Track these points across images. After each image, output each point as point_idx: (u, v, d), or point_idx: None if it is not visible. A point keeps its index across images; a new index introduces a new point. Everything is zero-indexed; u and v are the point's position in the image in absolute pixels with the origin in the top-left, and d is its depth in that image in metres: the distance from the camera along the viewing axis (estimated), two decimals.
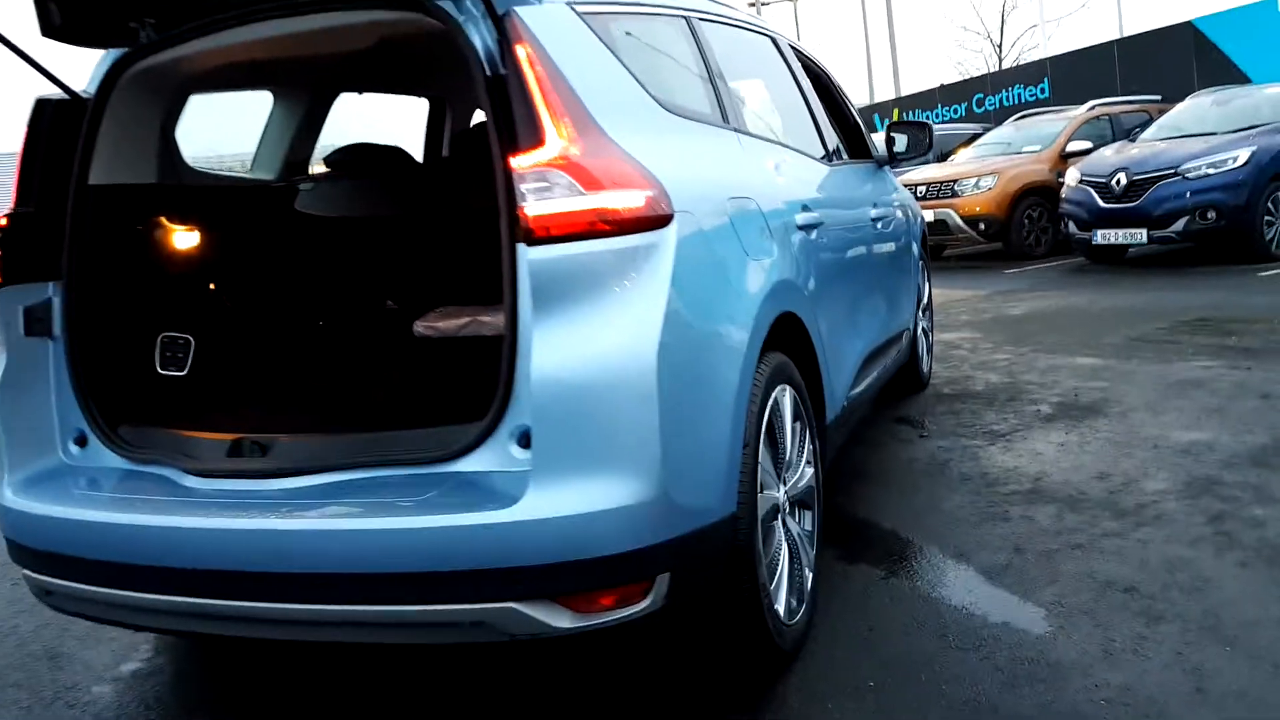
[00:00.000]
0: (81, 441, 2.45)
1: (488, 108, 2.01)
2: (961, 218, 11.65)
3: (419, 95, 4.22)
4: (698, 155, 2.39)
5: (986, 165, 12.04)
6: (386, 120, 4.12)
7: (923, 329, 5.24)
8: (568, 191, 1.88)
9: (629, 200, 1.92)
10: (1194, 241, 9.51)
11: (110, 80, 2.44)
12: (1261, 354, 5.38)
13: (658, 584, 1.93)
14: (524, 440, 1.97)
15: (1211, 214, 9.17)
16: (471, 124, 4.29)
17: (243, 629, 2.13)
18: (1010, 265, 11.17)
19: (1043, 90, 16.85)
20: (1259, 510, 3.15)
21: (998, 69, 27.30)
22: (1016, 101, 17.23)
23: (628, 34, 2.39)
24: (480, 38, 2.04)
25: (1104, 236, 9.97)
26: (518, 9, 2.01)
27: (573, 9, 2.19)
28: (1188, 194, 9.27)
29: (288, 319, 3.22)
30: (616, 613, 1.91)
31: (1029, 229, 11.79)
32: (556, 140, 1.91)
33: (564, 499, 1.82)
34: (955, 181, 11.77)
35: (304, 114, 3.51)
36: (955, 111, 18.99)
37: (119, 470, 2.36)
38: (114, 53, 2.46)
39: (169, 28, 2.37)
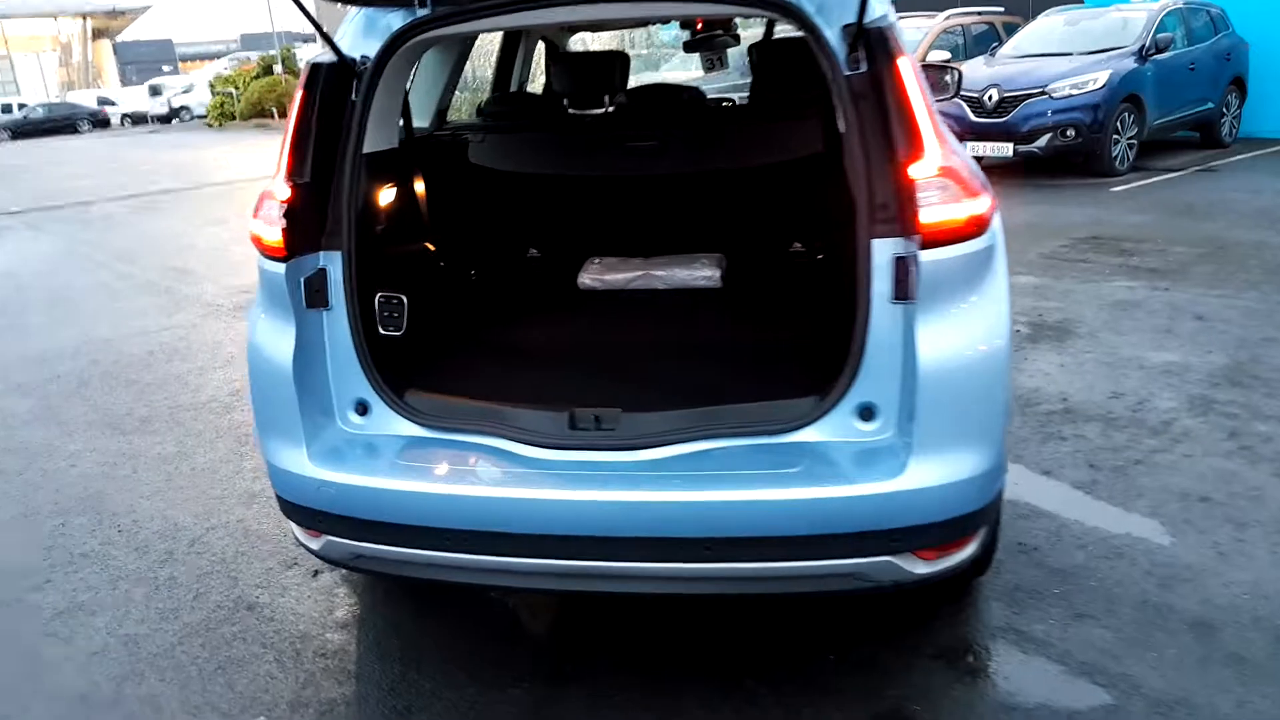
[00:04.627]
0: (363, 410, 2.50)
1: (850, 110, 2.20)
2: None
3: None
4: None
5: None
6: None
7: None
8: (953, 199, 2.12)
9: (984, 205, 2.19)
10: (1053, 156, 10.52)
11: (390, 48, 2.40)
12: (1167, 274, 6.26)
13: (979, 535, 2.30)
14: (865, 414, 2.27)
15: (1071, 132, 10.19)
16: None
17: (613, 585, 2.33)
18: None
19: None
20: (1261, 426, 3.88)
21: None
22: None
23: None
24: (837, 42, 2.21)
25: (974, 149, 10.82)
26: (893, 23, 2.19)
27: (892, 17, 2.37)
28: (1050, 113, 10.23)
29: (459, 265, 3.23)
30: (951, 560, 2.26)
31: None
32: (936, 151, 2.14)
33: (939, 469, 2.14)
34: None
35: (456, 62, 3.45)
36: None
37: (423, 440, 2.44)
38: (393, 20, 2.41)
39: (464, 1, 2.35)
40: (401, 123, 2.75)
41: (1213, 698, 2.39)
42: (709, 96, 4.02)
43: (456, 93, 3.68)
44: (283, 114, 29.83)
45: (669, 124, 3.55)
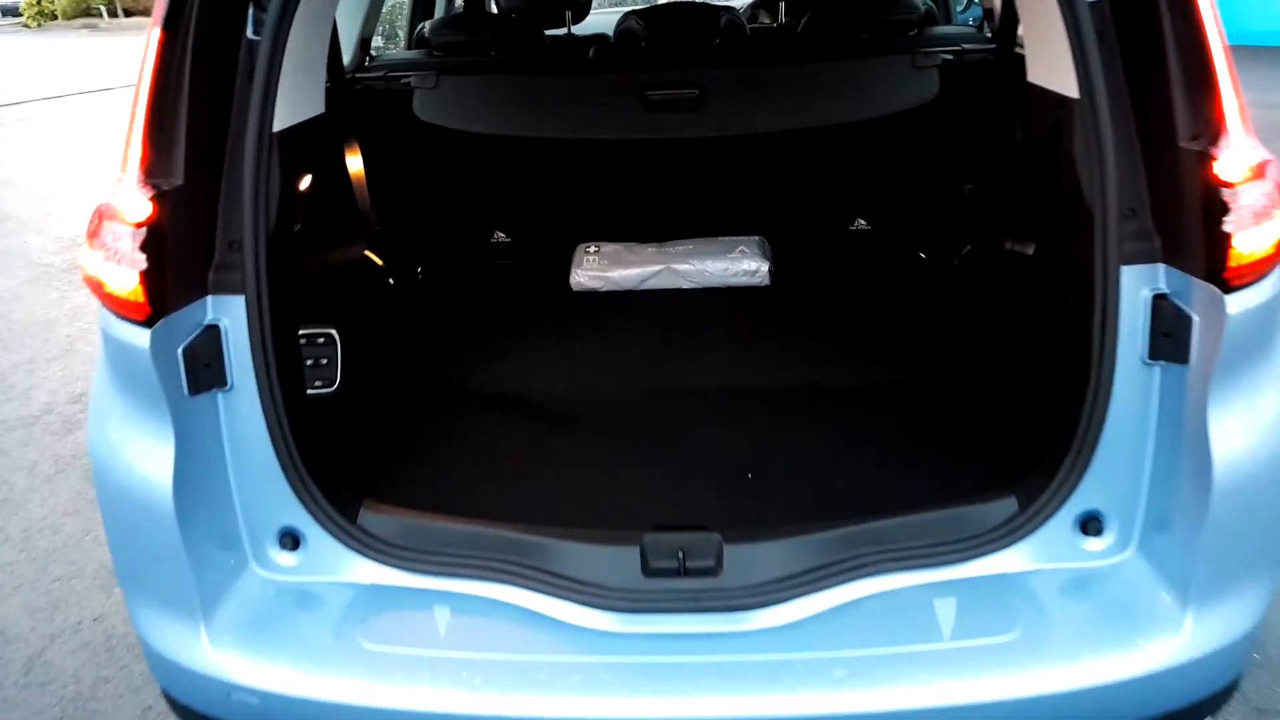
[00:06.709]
0: (293, 543, 1.59)
1: (1094, 58, 1.39)
2: None
3: None
4: None
5: None
6: None
7: None
8: (1266, 214, 1.35)
9: None
10: None
11: None
12: None
13: None
14: (1089, 525, 1.52)
15: None
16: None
17: None
18: None
19: None
20: None
21: None
22: None
23: None
24: None
25: None
26: None
27: None
28: None
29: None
30: None
31: None
32: (1242, 136, 1.35)
33: (1227, 620, 1.43)
34: None
35: None
36: None
37: (395, 591, 1.55)
38: None
39: None
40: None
41: None
42: None
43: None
44: (114, 13, 26.61)
45: (706, 63, 2.57)
